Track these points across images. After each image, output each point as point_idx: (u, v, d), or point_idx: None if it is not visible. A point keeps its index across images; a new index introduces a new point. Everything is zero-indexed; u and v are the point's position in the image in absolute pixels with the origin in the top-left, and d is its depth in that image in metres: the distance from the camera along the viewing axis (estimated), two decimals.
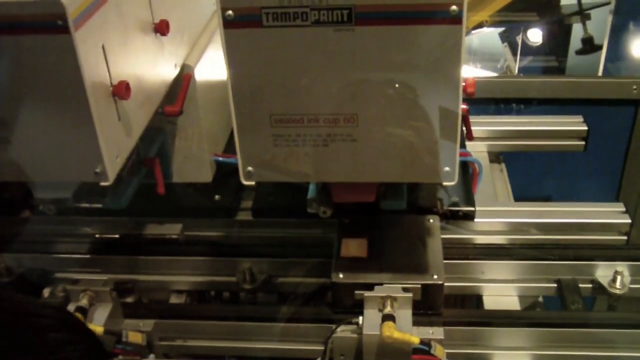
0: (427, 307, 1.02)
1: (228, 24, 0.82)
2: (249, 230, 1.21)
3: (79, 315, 0.99)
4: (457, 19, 0.80)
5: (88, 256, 1.18)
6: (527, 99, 1.63)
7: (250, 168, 0.90)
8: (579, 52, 2.21)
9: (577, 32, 2.22)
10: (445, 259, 1.08)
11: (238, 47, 0.83)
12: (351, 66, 0.83)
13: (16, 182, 1.09)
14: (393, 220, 1.11)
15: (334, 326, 1.01)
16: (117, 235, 1.19)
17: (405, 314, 0.98)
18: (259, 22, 0.82)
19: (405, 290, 0.98)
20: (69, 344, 0.57)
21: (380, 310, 0.98)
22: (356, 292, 1.00)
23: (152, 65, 1.04)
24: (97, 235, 1.20)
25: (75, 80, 0.86)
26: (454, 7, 0.80)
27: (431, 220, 1.11)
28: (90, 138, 0.90)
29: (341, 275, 1.02)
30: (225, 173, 1.26)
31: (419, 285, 1.00)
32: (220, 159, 1.27)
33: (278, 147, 0.88)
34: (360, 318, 0.99)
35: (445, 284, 1.04)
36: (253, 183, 0.92)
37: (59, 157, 0.93)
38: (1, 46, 0.85)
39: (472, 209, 1.19)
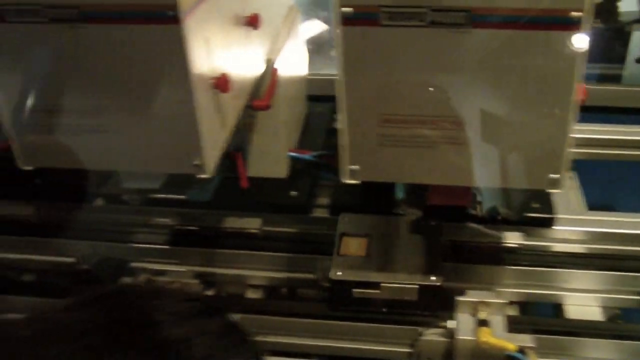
0: (423, 309, 1.01)
1: (346, 21, 0.81)
2: (326, 228, 1.19)
3: None
4: (574, 25, 0.78)
5: (166, 247, 1.17)
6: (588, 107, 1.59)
7: (355, 167, 0.89)
8: (638, 60, 2.17)
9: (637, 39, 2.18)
10: (524, 265, 1.05)
11: (354, 45, 0.82)
12: (465, 69, 0.82)
13: (93, 171, 1.10)
14: (394, 221, 1.11)
15: (419, 329, 1.00)
16: (196, 227, 1.18)
17: (498, 320, 0.96)
18: (377, 21, 0.80)
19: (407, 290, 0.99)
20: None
21: (473, 315, 0.96)
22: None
23: (244, 59, 1.04)
24: (176, 227, 1.18)
25: (181, 72, 0.86)
26: (575, 13, 0.78)
27: (432, 223, 1.10)
28: (192, 130, 0.89)
29: (339, 273, 1.01)
30: (297, 169, 1.24)
31: (417, 286, 0.99)
32: (295, 154, 1.25)
33: (385, 147, 0.88)
34: (450, 322, 0.98)
35: (524, 291, 1.02)
36: (356, 182, 0.90)
37: (157, 148, 0.92)
38: (108, 34, 0.84)
39: (551, 216, 1.17)
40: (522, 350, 0.94)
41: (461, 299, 0.99)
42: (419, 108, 0.85)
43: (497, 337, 0.95)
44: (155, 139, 0.91)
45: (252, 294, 1.16)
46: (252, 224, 1.19)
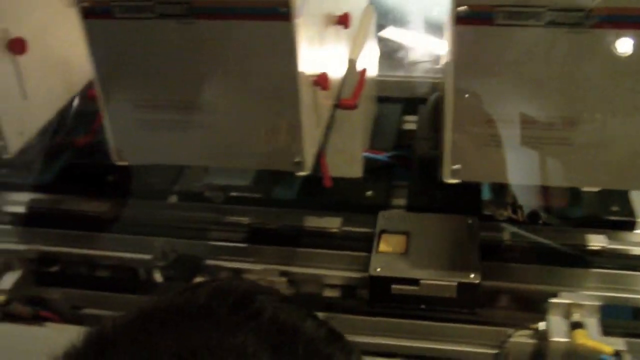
0: (461, 306, 1.02)
1: (460, 20, 0.80)
2: None
3: None
4: None
5: (244, 245, 1.16)
6: None
7: (457, 166, 0.89)
8: None
9: None
10: (605, 268, 1.05)
11: (467, 44, 0.82)
12: (577, 69, 0.82)
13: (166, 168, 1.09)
14: (433, 219, 1.12)
15: (509, 330, 0.99)
16: (275, 226, 1.18)
17: (593, 322, 0.96)
18: (492, 20, 0.80)
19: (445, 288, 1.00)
20: None
21: (565, 318, 0.96)
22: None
23: (335, 58, 1.04)
24: (254, 225, 1.18)
25: (289, 69, 0.86)
26: None
27: (470, 221, 1.10)
28: (295, 128, 0.90)
29: (379, 269, 1.02)
30: (369, 170, 1.24)
31: (455, 283, 1.00)
32: (370, 155, 1.25)
33: (489, 147, 0.87)
34: (540, 324, 0.97)
35: (608, 294, 1.01)
36: (457, 181, 0.90)
37: (259, 145, 0.92)
38: (217, 30, 0.84)
39: (632, 219, 1.16)
40: (617, 353, 0.93)
41: (553, 300, 0.98)
42: (529, 109, 0.84)
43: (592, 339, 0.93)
44: (258, 135, 0.91)
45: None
46: (332, 223, 1.17)
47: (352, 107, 1.08)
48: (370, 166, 1.27)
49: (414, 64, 1.53)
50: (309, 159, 0.92)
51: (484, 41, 0.82)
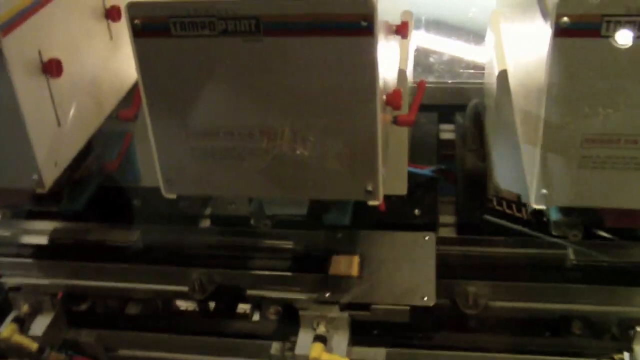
0: (416, 329, 0.98)
1: (561, 32, 0.73)
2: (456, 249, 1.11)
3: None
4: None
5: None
6: None
7: (545, 191, 0.81)
8: None
9: None
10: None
11: (565, 56, 0.74)
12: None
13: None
14: (387, 237, 1.06)
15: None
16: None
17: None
18: (591, 32, 0.73)
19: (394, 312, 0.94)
20: None
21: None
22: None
23: (392, 71, 0.97)
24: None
25: (368, 89, 0.80)
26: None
27: (426, 238, 1.05)
28: (370, 153, 0.82)
29: (327, 295, 0.96)
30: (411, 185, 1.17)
31: (407, 308, 0.94)
32: (415, 170, 1.18)
33: (585, 170, 0.80)
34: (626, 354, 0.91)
35: None
36: (544, 207, 0.83)
37: (326, 173, 0.84)
38: (287, 48, 0.76)
39: None
40: None
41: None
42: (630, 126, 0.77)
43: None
44: (328, 163, 0.83)
45: None
46: None
47: (411, 124, 1.00)
48: (414, 181, 1.18)
49: (448, 70, 1.46)
50: (380, 186, 0.84)
51: (583, 54, 0.74)
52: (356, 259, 1.03)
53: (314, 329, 0.94)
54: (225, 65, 0.79)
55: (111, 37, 1.06)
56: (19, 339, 0.97)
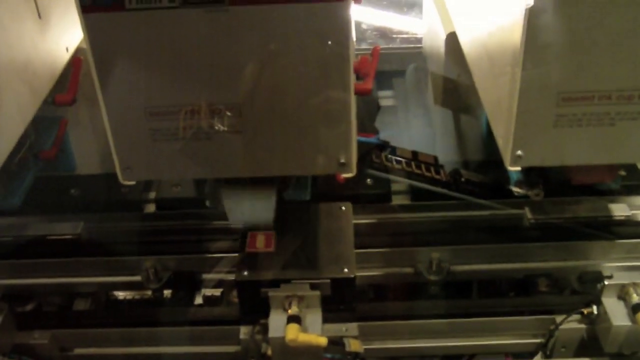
0: (338, 302, 0.94)
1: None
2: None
3: None
4: None
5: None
6: None
7: (520, 152, 0.81)
8: None
9: None
10: None
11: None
12: None
13: None
14: (302, 209, 1.02)
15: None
16: None
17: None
18: None
19: (314, 286, 0.91)
20: None
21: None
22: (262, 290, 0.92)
23: None
24: None
25: (342, 58, 0.76)
26: None
27: (343, 208, 1.03)
28: (345, 123, 0.81)
29: (245, 273, 0.93)
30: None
31: (328, 280, 0.92)
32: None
33: (560, 128, 0.79)
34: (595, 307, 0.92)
35: None
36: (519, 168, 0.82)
37: (298, 149, 0.81)
38: (255, 17, 0.73)
39: None
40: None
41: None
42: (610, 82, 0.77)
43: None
44: (300, 138, 0.79)
45: None
46: None
47: (369, 92, 0.97)
48: (363, 150, 1.16)
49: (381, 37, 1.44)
50: (354, 157, 0.81)
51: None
52: (273, 235, 0.98)
53: (285, 310, 0.90)
54: (187, 39, 0.73)
55: (39, 16, 0.98)
56: None
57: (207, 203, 0.96)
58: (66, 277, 1.06)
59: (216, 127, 0.79)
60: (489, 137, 1.05)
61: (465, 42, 1.02)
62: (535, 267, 1.03)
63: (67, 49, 1.05)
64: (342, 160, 0.81)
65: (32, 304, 1.05)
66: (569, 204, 1.07)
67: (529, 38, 0.75)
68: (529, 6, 0.72)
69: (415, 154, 1.15)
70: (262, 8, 0.73)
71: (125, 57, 0.75)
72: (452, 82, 1.17)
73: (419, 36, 1.45)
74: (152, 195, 1.17)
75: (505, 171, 0.90)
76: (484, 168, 1.15)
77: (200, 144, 0.79)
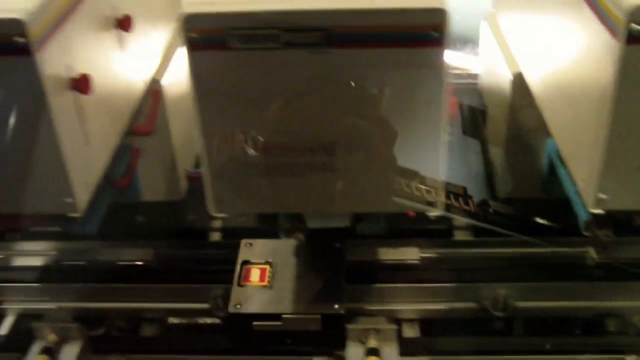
0: (329, 338, 0.95)
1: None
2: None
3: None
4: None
5: None
6: None
7: (603, 195, 0.82)
8: None
9: None
10: None
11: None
12: None
13: None
14: (299, 246, 1.03)
15: None
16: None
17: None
18: None
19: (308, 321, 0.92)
20: None
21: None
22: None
23: None
24: None
25: (437, 99, 0.80)
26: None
27: (338, 246, 1.04)
28: (436, 163, 0.81)
29: (238, 306, 0.94)
30: None
31: (319, 316, 0.93)
32: None
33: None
34: None
35: None
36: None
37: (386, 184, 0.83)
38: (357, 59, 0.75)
39: None
40: None
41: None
42: None
43: None
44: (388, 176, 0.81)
45: None
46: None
47: None
48: None
49: None
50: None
51: None
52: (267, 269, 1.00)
53: (363, 342, 0.91)
54: (288, 79, 0.76)
55: (122, 48, 1.01)
56: None
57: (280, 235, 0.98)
58: (136, 302, 1.07)
59: (310, 165, 0.81)
60: (550, 176, 1.07)
61: (535, 82, 1.04)
62: (603, 305, 1.03)
63: (142, 80, 1.07)
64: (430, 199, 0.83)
65: (102, 328, 1.05)
66: (633, 243, 1.07)
67: (623, 78, 0.75)
68: (623, 54, 0.73)
69: (446, 184, 1.17)
70: (362, 51, 0.75)
71: (227, 94, 0.77)
72: (510, 119, 1.19)
73: (472, 72, 1.48)
74: (218, 223, 1.18)
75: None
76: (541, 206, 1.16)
77: (292, 180, 0.81)
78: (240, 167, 0.80)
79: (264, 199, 0.83)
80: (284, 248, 1.04)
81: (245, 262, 1.00)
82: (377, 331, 0.92)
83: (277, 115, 0.77)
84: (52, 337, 0.94)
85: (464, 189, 1.19)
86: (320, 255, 1.02)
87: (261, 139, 0.78)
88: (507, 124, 1.17)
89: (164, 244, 1.13)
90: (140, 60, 1.06)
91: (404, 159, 0.80)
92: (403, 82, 0.76)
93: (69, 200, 0.84)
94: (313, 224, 0.93)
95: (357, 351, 0.91)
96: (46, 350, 0.93)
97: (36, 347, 0.95)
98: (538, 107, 1.03)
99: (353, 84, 0.76)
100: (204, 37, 0.74)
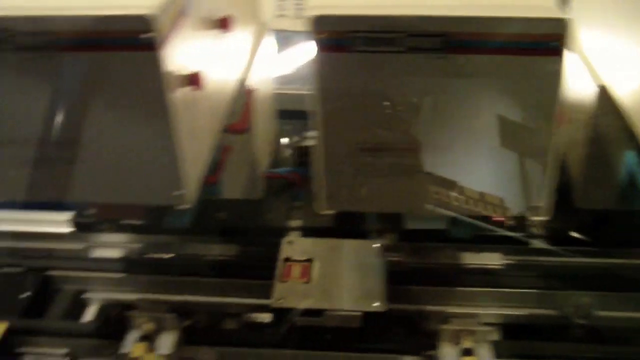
0: (369, 334, 0.98)
1: None
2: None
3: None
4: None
5: None
6: None
7: None
8: None
9: None
10: None
11: None
12: None
13: None
14: (338, 244, 1.06)
15: None
16: None
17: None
18: None
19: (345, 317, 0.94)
20: None
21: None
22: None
23: None
24: None
25: (550, 105, 0.82)
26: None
27: (375, 246, 1.05)
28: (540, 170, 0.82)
29: (281, 300, 0.96)
30: None
31: (360, 313, 0.95)
32: None
33: None
34: None
35: None
36: None
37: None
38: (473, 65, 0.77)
39: None
40: None
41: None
42: None
43: None
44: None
45: None
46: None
47: None
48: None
49: None
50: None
51: None
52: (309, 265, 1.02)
53: (455, 344, 0.93)
54: (409, 82, 0.78)
55: (222, 48, 1.03)
56: (151, 358, 0.93)
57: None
58: (220, 296, 1.09)
59: (416, 165, 0.83)
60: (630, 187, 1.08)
61: (624, 94, 1.06)
62: None
63: (236, 79, 1.10)
64: (534, 204, 0.84)
65: (189, 321, 1.08)
66: None
67: None
68: None
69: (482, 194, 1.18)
70: (476, 57, 0.77)
71: (349, 95, 0.79)
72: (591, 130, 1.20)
73: None
74: (296, 223, 1.20)
75: None
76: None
77: (407, 180, 0.83)
78: (356, 166, 0.82)
79: (378, 198, 0.84)
80: (324, 246, 1.06)
81: (287, 260, 1.02)
82: (471, 332, 0.92)
83: (398, 117, 0.78)
84: (148, 327, 0.95)
85: (501, 199, 1.20)
86: (360, 254, 1.04)
87: (379, 140, 0.80)
88: (587, 134, 1.18)
89: (243, 240, 1.14)
90: (234, 60, 1.09)
91: (511, 166, 0.81)
92: (515, 89, 0.77)
93: (180, 193, 0.86)
94: (412, 225, 0.94)
95: (450, 351, 0.92)
96: (144, 339, 0.94)
97: (132, 336, 0.96)
98: (626, 119, 1.04)
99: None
100: (331, 39, 0.76)
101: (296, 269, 1.01)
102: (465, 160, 0.82)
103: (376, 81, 0.78)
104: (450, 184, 0.83)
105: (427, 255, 1.12)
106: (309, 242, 1.07)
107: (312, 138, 0.83)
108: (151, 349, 0.95)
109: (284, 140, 1.39)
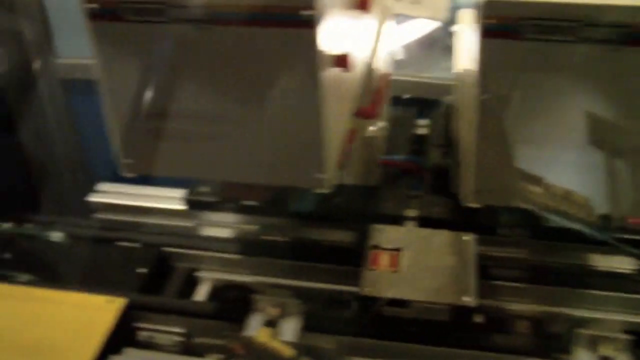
0: (456, 329, 0.93)
1: None
2: None
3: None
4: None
5: None
6: None
7: None
8: None
9: None
10: None
11: None
12: None
13: None
14: (427, 234, 1.03)
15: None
16: None
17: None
18: None
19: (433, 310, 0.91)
20: None
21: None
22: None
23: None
24: None
25: None
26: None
27: (466, 238, 1.01)
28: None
29: (368, 289, 0.92)
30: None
31: (448, 306, 0.91)
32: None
33: None
34: None
35: None
36: None
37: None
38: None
39: None
40: None
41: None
42: None
43: None
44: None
45: None
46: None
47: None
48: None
49: None
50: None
51: None
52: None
53: (591, 350, 0.90)
54: (580, 74, 0.74)
55: (361, 29, 1.01)
56: (276, 344, 0.91)
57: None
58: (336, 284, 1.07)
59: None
60: None
61: None
62: None
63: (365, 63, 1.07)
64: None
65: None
66: None
67: None
68: None
69: (568, 192, 1.13)
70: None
71: (508, 85, 0.76)
72: None
73: None
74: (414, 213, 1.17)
75: None
76: None
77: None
78: (507, 160, 0.79)
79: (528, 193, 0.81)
80: (412, 235, 1.04)
81: (375, 247, 1.00)
82: (609, 339, 0.88)
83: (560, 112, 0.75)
84: (273, 311, 0.94)
85: (586, 199, 1.15)
86: (450, 246, 1.02)
87: (539, 134, 0.76)
88: None
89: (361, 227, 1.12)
90: (368, 42, 1.06)
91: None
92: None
93: (321, 176, 0.84)
94: (554, 222, 0.91)
95: (586, 358, 0.88)
96: (269, 324, 0.92)
97: (255, 320, 0.94)
98: None
99: None
100: (499, 24, 0.72)
101: (384, 258, 0.98)
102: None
103: (544, 71, 0.74)
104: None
105: (552, 253, 1.08)
106: (395, 230, 1.05)
107: (453, 128, 0.79)
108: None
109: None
